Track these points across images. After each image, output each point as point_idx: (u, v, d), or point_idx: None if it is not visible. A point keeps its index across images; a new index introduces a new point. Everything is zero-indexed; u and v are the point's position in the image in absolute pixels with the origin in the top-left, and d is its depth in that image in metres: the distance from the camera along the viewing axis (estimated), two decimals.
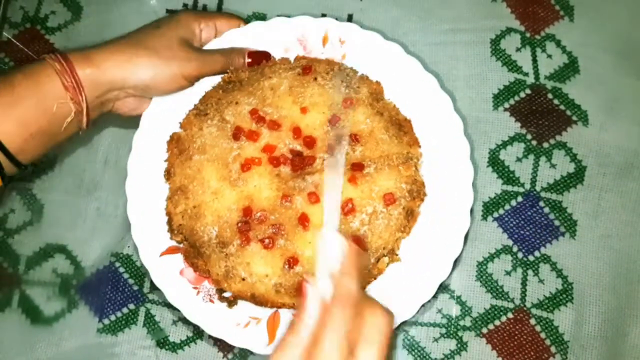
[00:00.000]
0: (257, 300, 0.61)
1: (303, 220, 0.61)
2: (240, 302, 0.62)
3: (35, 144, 0.57)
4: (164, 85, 0.62)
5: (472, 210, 0.62)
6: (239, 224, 0.61)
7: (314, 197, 0.61)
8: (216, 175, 0.63)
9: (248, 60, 0.67)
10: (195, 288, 0.63)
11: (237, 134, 0.64)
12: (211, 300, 0.62)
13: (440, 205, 0.63)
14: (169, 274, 0.63)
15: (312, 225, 0.61)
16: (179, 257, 0.63)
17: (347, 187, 0.62)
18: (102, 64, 0.58)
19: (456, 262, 0.62)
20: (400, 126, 0.65)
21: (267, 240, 0.60)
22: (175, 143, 0.65)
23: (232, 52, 0.66)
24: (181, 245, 0.63)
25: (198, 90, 0.67)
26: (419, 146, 0.65)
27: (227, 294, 0.62)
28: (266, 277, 0.60)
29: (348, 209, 0.61)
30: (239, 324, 0.61)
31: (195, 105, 0.66)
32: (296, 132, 0.64)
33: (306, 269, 0.60)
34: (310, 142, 0.64)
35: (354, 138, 0.63)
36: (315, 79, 0.66)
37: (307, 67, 0.66)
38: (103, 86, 0.58)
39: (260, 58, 0.67)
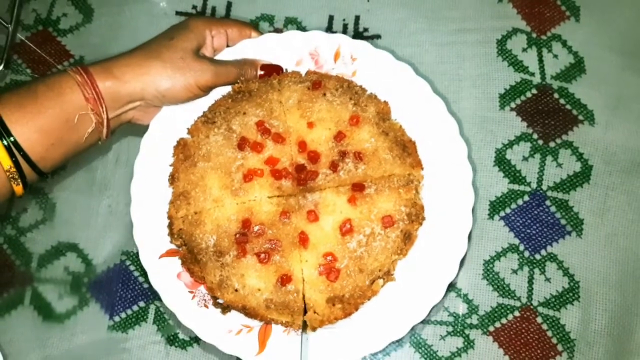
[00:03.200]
0: (248, 312, 0.61)
1: (303, 239, 0.61)
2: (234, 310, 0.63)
3: (56, 152, 0.58)
4: (180, 95, 0.63)
5: (475, 210, 0.62)
6: (237, 235, 0.62)
7: (313, 216, 0.62)
8: (218, 184, 0.64)
9: (260, 72, 0.68)
10: (191, 292, 0.63)
11: (242, 144, 0.65)
12: (205, 306, 0.63)
13: (442, 210, 0.63)
14: (167, 277, 0.63)
15: (310, 245, 0.61)
16: (177, 261, 0.64)
17: (347, 208, 0.62)
18: (122, 77, 0.59)
19: (463, 261, 0.62)
20: (405, 147, 0.65)
21: (262, 255, 0.61)
22: (182, 149, 0.66)
23: (245, 63, 0.67)
24: (180, 250, 0.64)
25: (207, 98, 0.67)
26: (422, 168, 0.64)
27: (221, 300, 0.62)
28: (258, 291, 0.61)
29: (346, 229, 0.61)
30: (231, 331, 0.61)
31: (204, 112, 0.67)
32: (301, 145, 0.65)
33: (297, 288, 0.61)
34: (314, 156, 0.64)
35: (358, 156, 0.64)
36: (324, 94, 0.66)
37: (317, 82, 0.67)
38: (123, 98, 0.60)
39: (272, 71, 0.68)
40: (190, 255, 0.63)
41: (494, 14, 0.76)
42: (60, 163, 0.60)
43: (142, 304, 0.71)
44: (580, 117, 0.71)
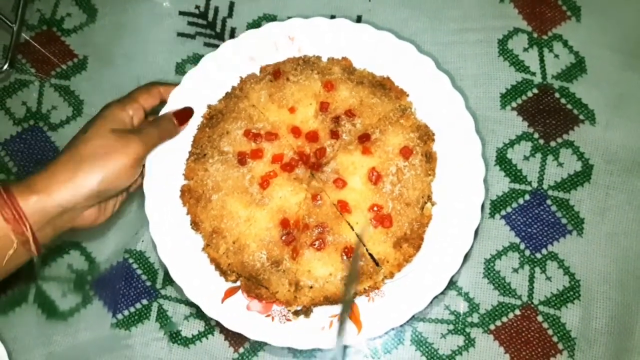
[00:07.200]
0: (332, 300, 0.62)
1: (343, 206, 0.63)
2: (316, 308, 0.63)
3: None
4: (116, 181, 0.60)
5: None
6: (283, 238, 0.62)
7: (340, 182, 0.63)
8: (241, 204, 0.64)
9: (176, 121, 0.66)
10: (268, 316, 0.63)
11: (242, 158, 0.65)
12: (288, 320, 0.63)
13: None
14: (239, 315, 0.63)
15: (352, 208, 0.63)
16: (240, 296, 0.63)
17: (365, 159, 0.64)
18: (46, 190, 0.56)
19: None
20: (383, 85, 0.68)
21: (317, 243, 0.62)
22: (188, 194, 0.66)
23: (160, 120, 0.66)
24: (238, 284, 0.64)
25: (187, 136, 0.68)
26: (407, 95, 0.67)
27: (298, 307, 0.62)
28: (330, 275, 0.62)
29: (375, 177, 0.63)
30: (323, 328, 0.62)
31: (189, 152, 0.67)
32: (295, 131, 0.66)
33: (361, 252, 0.62)
34: (313, 135, 0.65)
35: (350, 114, 0.66)
36: (288, 79, 0.68)
37: (275, 72, 0.68)
38: (52, 210, 0.57)
39: (185, 115, 0.67)
40: (250, 282, 0.63)
41: (496, 14, 0.76)
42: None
43: (144, 301, 0.71)
44: (581, 117, 0.72)
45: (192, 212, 0.65)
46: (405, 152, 0.64)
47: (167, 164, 0.67)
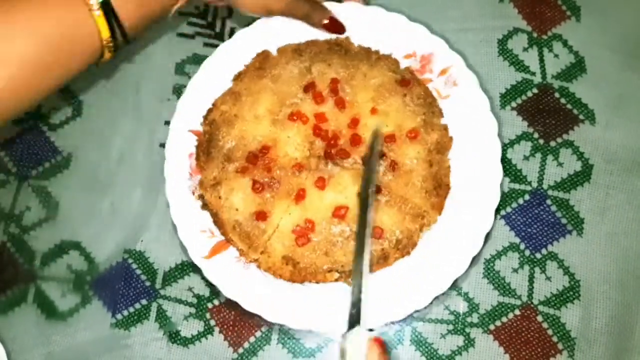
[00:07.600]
0: (216, 220, 0.64)
1: (300, 195, 0.63)
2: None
3: (144, 23, 0.62)
4: (246, 5, 0.66)
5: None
6: (249, 153, 0.64)
7: (321, 183, 0.63)
8: (267, 106, 0.66)
9: (326, 21, 0.68)
10: (190, 175, 0.66)
11: (309, 87, 0.66)
12: (193, 193, 0.65)
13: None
14: (181, 149, 0.66)
15: (301, 204, 0.63)
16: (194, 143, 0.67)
17: (353, 197, 0.62)
18: None
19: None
20: (439, 186, 0.63)
21: (258, 185, 0.63)
22: (262, 58, 0.68)
23: (317, 7, 0.68)
24: (203, 135, 0.67)
25: (309, 32, 0.69)
26: (440, 214, 0.63)
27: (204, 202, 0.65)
28: (236, 210, 0.63)
29: (340, 214, 0.62)
30: (199, 226, 0.64)
31: (298, 43, 0.69)
32: (354, 122, 0.65)
33: (268, 231, 0.63)
34: (356, 140, 0.64)
35: (392, 166, 0.63)
36: (405, 95, 0.66)
37: (406, 80, 0.66)
38: None
39: (336, 27, 0.68)
40: (206, 144, 0.66)
41: (495, 14, 0.76)
42: (141, 34, 0.63)
43: (144, 302, 0.71)
44: (581, 117, 0.72)
45: (247, 69, 0.68)
46: (376, 233, 0.61)
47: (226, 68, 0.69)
